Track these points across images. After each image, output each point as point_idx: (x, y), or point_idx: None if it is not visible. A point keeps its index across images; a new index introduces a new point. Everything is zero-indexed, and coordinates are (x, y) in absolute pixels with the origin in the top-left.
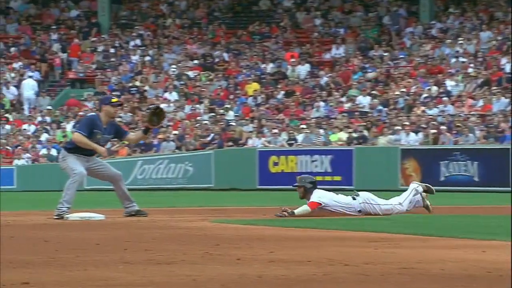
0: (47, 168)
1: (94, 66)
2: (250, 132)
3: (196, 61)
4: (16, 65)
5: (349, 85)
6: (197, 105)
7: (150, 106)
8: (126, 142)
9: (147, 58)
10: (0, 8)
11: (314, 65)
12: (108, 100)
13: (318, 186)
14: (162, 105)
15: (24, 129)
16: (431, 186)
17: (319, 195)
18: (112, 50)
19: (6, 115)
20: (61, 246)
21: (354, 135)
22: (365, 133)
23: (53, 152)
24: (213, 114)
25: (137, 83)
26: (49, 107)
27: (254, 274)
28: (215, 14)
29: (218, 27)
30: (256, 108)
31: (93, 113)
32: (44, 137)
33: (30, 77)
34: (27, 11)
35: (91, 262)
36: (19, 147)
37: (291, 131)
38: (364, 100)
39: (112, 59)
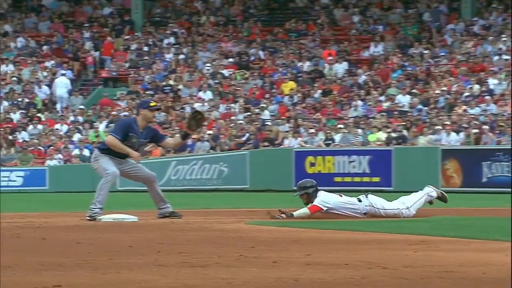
0: (80, 168)
1: (127, 65)
2: (286, 132)
3: (231, 60)
4: (48, 63)
5: (388, 84)
6: (232, 105)
7: (191, 112)
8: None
9: (181, 56)
10: (33, 5)
11: (352, 63)
12: (146, 104)
13: (320, 188)
14: (196, 105)
15: (57, 129)
16: (445, 194)
17: (322, 199)
18: (145, 48)
19: (38, 114)
20: (94, 248)
21: (393, 135)
22: (405, 133)
23: (86, 152)
24: (248, 113)
25: (171, 82)
26: (82, 107)
27: (291, 277)
28: (250, 11)
29: (254, 24)
30: (293, 108)
31: (130, 116)
32: (76, 137)
33: (63, 74)
34: (60, 8)
35: (124, 265)
36: (51, 147)
37: (328, 131)
38: (403, 99)
39: (146, 58)
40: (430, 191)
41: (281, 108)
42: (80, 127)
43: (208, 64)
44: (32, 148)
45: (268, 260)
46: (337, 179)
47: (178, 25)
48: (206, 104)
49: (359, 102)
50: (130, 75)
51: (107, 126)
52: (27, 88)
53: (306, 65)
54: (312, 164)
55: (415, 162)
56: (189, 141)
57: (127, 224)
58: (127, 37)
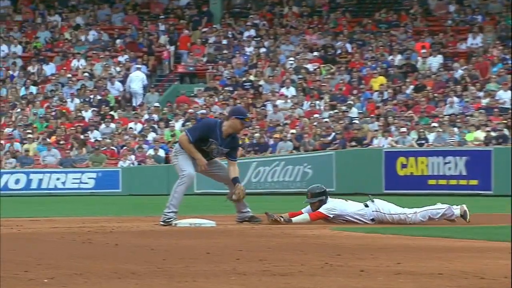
0: (154, 170)
1: (204, 59)
2: (376, 131)
3: (316, 53)
4: (122, 58)
5: (487, 79)
6: (317, 101)
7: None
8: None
9: (262, 50)
10: None
11: (448, 57)
12: (241, 115)
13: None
14: (279, 102)
15: (130, 128)
16: (468, 213)
17: (328, 206)
18: (224, 42)
19: (111, 112)
20: (169, 255)
21: (493, 134)
22: (506, 132)
23: (161, 152)
24: (334, 111)
25: (251, 78)
26: (157, 104)
27: (379, 287)
28: (337, 1)
29: (341, 15)
30: (382, 105)
31: (215, 119)
32: (151, 136)
33: (138, 68)
34: None
35: (201, 273)
36: (125, 147)
37: (421, 130)
38: (504, 95)
39: (225, 51)
40: (455, 207)
41: (370, 105)
42: (155, 125)
43: (291, 58)
44: (104, 148)
45: (354, 268)
46: (431, 182)
47: (259, 17)
48: (289, 101)
49: (455, 99)
50: (208, 70)
51: (183, 125)
52: (99, 84)
53: (397, 59)
54: (404, 166)
55: None
56: (271, 141)
57: (204, 229)
58: (205, 29)
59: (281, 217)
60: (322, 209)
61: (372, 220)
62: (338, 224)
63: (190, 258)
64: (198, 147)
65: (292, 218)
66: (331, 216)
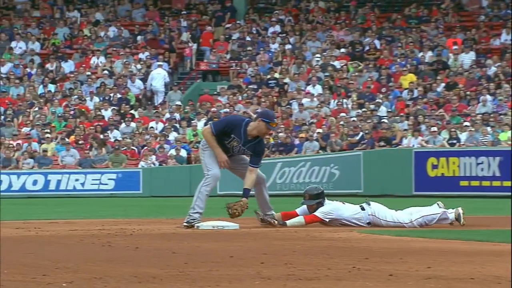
0: (176, 171)
1: (228, 56)
2: (405, 130)
3: (343, 50)
4: (143, 55)
5: None
6: (344, 100)
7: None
8: None
9: (288, 46)
10: None
11: (480, 53)
12: (269, 119)
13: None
14: (304, 100)
15: (151, 127)
16: (462, 216)
17: (324, 210)
18: (248, 38)
19: (132, 111)
20: (191, 258)
21: None
22: None
23: (183, 153)
24: (362, 109)
25: (276, 75)
26: (178, 103)
27: None
28: None
29: (369, 10)
30: (412, 103)
31: (243, 117)
32: (172, 136)
33: (160, 66)
34: None
35: (224, 277)
36: (146, 147)
37: (452, 129)
38: None
39: (249, 48)
40: (450, 211)
41: (399, 104)
42: (177, 125)
43: (318, 55)
44: (124, 148)
45: (383, 273)
46: (463, 183)
47: (285, 12)
48: (315, 99)
49: (488, 97)
50: (232, 68)
51: (205, 124)
52: (119, 82)
53: (428, 56)
54: (435, 167)
55: None
56: (297, 141)
57: (227, 232)
58: (228, 25)
59: (275, 220)
60: (319, 213)
61: (368, 223)
62: (334, 226)
63: (213, 261)
64: (220, 140)
65: (287, 222)
66: (327, 220)
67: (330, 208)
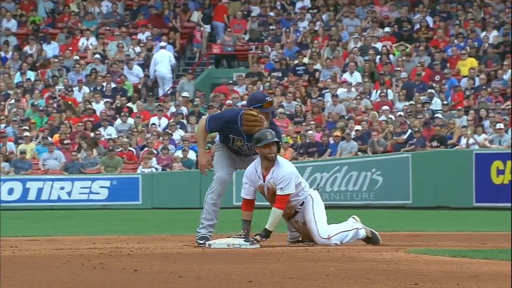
0: (183, 177)
1: (246, 37)
2: (464, 127)
3: (387, 29)
4: (142, 36)
5: None
6: (389, 90)
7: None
8: None
9: (319, 25)
10: None
11: None
12: (259, 102)
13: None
14: (340, 90)
15: (153, 124)
16: (377, 235)
17: (289, 178)
18: (271, 14)
19: (129, 104)
20: (201, 283)
21: None
22: None
23: (191, 155)
24: (410, 102)
25: (305, 60)
26: (186, 94)
27: None
28: None
29: None
30: (473, 94)
31: (237, 110)
32: (178, 134)
33: (163, 47)
34: None
35: None
36: (146, 148)
37: None
38: None
39: (272, 27)
40: (360, 227)
41: (457, 95)
42: (184, 121)
43: (356, 35)
44: (120, 149)
45: None
46: None
47: None
48: (353, 89)
49: None
50: (251, 51)
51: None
52: (113, 68)
53: (492, 36)
54: (500, 172)
55: None
56: (330, 140)
57: (245, 251)
58: None
59: (257, 234)
60: (287, 188)
61: (301, 205)
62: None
63: (228, 287)
64: (225, 145)
65: (266, 227)
66: (298, 183)
67: (292, 171)
